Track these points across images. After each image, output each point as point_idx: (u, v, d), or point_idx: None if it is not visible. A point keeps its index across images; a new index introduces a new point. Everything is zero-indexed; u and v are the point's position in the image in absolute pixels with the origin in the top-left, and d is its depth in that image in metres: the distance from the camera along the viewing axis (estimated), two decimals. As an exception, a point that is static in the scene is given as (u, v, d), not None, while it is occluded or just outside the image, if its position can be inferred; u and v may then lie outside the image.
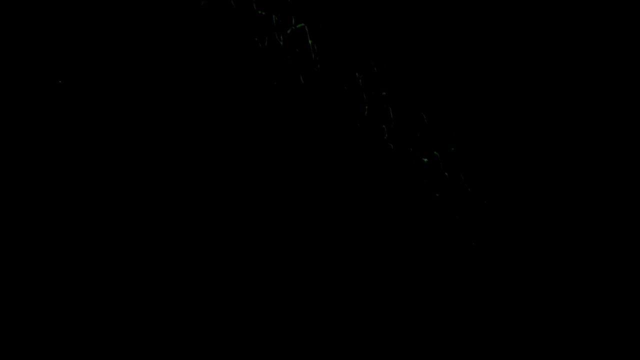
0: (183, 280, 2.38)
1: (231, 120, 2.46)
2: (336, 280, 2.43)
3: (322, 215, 2.45)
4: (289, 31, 2.41)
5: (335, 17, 2.49)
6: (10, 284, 2.30)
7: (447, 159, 2.51)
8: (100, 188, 2.38)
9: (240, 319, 2.39)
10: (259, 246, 2.42)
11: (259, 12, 2.43)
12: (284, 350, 2.40)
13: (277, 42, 2.44)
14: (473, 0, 2.52)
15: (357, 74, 2.42)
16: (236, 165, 2.45)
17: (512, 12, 2.54)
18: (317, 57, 2.43)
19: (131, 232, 2.37)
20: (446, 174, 2.47)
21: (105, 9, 2.42)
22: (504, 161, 2.53)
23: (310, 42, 2.43)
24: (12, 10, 2.36)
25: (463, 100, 2.54)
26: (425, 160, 2.49)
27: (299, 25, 2.44)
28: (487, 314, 2.46)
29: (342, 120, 2.47)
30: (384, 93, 2.46)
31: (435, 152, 2.48)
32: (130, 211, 2.38)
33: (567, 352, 2.46)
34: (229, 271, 2.40)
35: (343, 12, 2.49)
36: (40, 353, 2.29)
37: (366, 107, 2.46)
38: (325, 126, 2.47)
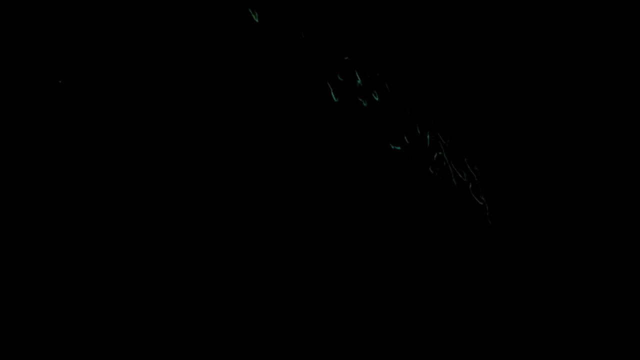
0: (183, 281, 2.39)
1: (233, 119, 2.46)
2: (339, 280, 2.43)
3: (324, 215, 2.45)
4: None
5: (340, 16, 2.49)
6: (10, 284, 2.31)
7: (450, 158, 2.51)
8: (100, 188, 2.39)
9: (240, 319, 2.39)
10: (261, 247, 2.43)
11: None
12: (284, 351, 2.40)
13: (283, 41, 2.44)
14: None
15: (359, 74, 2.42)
16: (238, 166, 2.45)
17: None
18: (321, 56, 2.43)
19: (131, 231, 2.38)
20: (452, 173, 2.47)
21: (105, 9, 2.42)
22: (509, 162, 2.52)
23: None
24: (12, 10, 2.36)
25: (466, 102, 2.53)
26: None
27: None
28: (489, 313, 2.46)
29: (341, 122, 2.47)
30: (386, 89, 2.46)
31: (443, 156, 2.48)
32: (130, 211, 2.39)
33: (569, 352, 2.46)
34: (231, 271, 2.41)
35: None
36: (39, 353, 2.30)
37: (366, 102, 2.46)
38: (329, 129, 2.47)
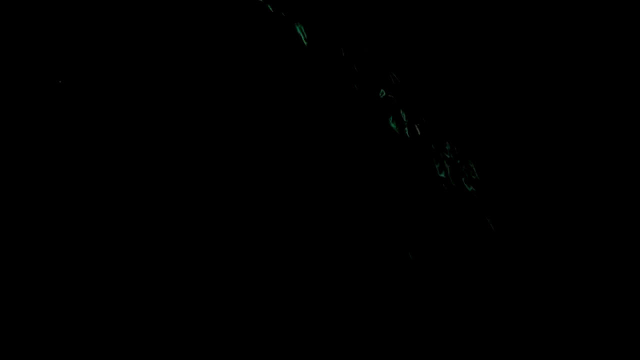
0: (183, 281, 2.39)
1: (234, 121, 2.46)
2: (341, 281, 2.43)
3: (326, 215, 2.45)
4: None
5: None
6: (10, 284, 2.31)
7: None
8: (100, 188, 2.39)
9: (240, 319, 2.39)
10: (264, 248, 2.43)
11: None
12: (284, 351, 2.40)
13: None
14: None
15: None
16: (241, 167, 2.45)
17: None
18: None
19: (131, 232, 2.38)
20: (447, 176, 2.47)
21: (105, 9, 2.43)
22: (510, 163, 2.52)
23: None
24: (12, 10, 2.37)
25: (467, 101, 2.53)
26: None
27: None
28: (490, 314, 2.46)
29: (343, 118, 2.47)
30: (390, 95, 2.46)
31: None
32: (130, 211, 2.39)
33: (570, 352, 2.45)
34: (233, 272, 2.41)
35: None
36: (40, 353, 2.30)
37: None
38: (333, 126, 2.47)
